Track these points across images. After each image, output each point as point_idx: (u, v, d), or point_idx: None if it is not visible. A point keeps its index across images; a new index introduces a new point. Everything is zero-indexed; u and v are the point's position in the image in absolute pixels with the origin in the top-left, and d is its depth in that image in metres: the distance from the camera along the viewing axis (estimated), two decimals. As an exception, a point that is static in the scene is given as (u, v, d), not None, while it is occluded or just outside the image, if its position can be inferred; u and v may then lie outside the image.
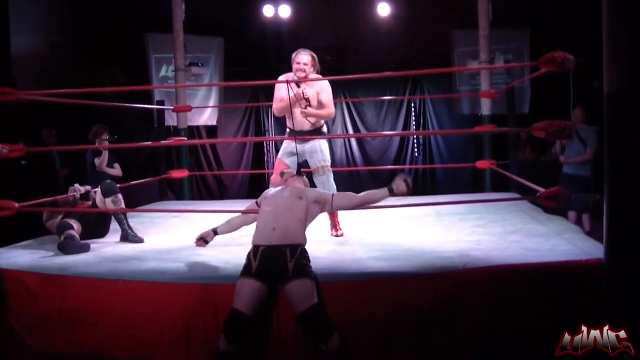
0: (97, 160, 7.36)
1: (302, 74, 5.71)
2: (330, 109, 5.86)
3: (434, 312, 4.32)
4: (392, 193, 4.70)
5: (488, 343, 4.29)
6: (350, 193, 4.82)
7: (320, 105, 5.77)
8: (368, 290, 4.39)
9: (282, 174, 5.08)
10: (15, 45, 9.21)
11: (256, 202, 4.90)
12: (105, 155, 7.37)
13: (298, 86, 5.64)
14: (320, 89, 5.77)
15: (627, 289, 4.09)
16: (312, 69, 5.77)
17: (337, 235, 5.85)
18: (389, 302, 4.35)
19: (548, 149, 10.00)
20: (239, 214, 5.12)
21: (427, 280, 4.38)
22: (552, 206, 4.86)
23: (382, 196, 4.73)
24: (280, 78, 5.89)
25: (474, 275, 4.37)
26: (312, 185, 5.58)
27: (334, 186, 5.91)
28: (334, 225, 5.94)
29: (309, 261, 4.35)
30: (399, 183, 4.69)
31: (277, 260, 4.25)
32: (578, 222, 7.63)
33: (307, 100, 5.67)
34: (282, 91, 5.79)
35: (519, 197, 7.36)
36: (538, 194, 4.74)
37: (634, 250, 4.13)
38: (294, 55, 5.77)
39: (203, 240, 4.97)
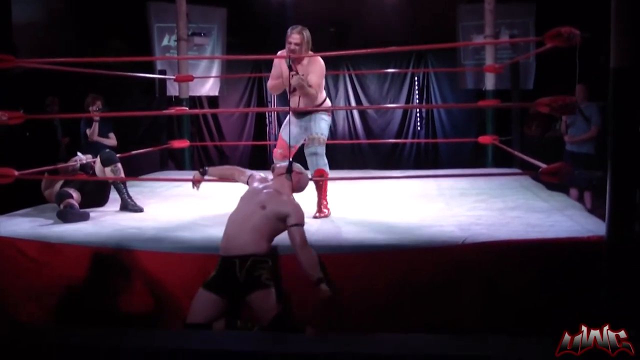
0: (88, 131, 7.34)
1: (293, 55, 5.41)
2: (314, 91, 5.44)
3: (435, 285, 4.33)
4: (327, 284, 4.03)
5: (488, 317, 4.29)
6: (304, 244, 4.11)
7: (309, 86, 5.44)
8: (369, 262, 4.40)
9: (272, 168, 4.73)
10: (15, 14, 9.13)
11: (248, 178, 4.66)
12: (96, 126, 7.35)
13: (290, 69, 5.32)
14: (312, 69, 5.50)
15: (627, 266, 4.08)
16: (303, 48, 5.47)
17: (315, 217, 5.46)
18: (390, 275, 4.35)
19: (553, 125, 9.94)
20: (236, 167, 4.98)
21: (427, 254, 4.38)
22: (555, 182, 4.84)
23: (316, 272, 4.03)
24: (278, 53, 5.65)
25: (475, 250, 4.37)
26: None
27: (325, 162, 5.58)
28: (319, 206, 5.59)
29: (265, 270, 4.12)
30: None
31: (228, 272, 4.12)
32: (580, 199, 7.60)
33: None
34: (277, 69, 5.60)
35: (520, 172, 7.35)
36: (540, 169, 4.71)
37: (635, 228, 4.12)
38: (288, 32, 5.48)
39: (196, 184, 4.95)
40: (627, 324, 3.76)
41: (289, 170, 4.55)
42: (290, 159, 4.88)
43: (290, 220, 4.18)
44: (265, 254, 4.18)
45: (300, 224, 4.21)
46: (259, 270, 4.10)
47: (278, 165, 4.80)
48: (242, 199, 4.46)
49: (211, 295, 4.11)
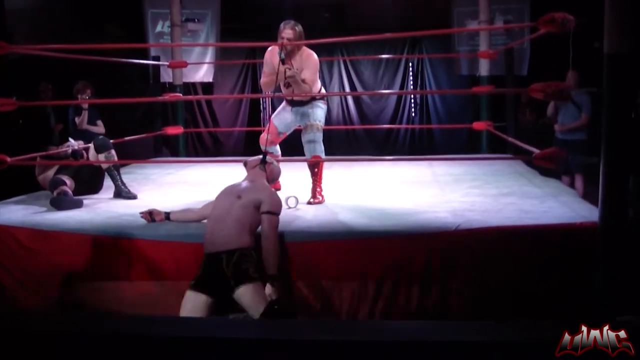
0: (77, 119, 7.33)
1: (287, 43, 5.35)
2: (308, 87, 5.41)
3: (428, 272, 4.33)
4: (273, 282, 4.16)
5: (482, 303, 4.30)
6: (272, 233, 4.22)
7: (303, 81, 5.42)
8: (363, 249, 4.39)
9: (245, 163, 4.79)
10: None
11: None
12: (85, 114, 7.33)
13: (283, 63, 5.31)
14: (306, 65, 5.46)
15: (620, 252, 4.09)
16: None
17: (309, 203, 5.46)
18: (384, 261, 4.35)
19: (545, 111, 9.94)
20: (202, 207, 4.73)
21: (420, 240, 4.38)
22: (548, 167, 4.84)
23: (271, 268, 4.15)
24: (268, 51, 5.62)
25: (468, 236, 4.37)
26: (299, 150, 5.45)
27: (322, 148, 5.55)
28: (313, 191, 5.56)
29: (252, 263, 4.14)
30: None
31: (215, 269, 4.12)
32: (571, 185, 7.61)
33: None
34: (270, 66, 5.53)
35: (513, 156, 7.36)
36: (534, 154, 4.71)
37: (628, 214, 4.13)
38: (280, 27, 5.41)
39: (150, 215, 4.75)
40: (620, 310, 3.79)
41: (263, 161, 4.69)
42: (277, 146, 4.93)
43: (264, 207, 4.27)
44: (251, 247, 4.21)
45: (273, 212, 4.29)
46: (246, 263, 4.12)
47: (250, 159, 4.85)
48: (218, 197, 4.50)
49: (199, 296, 4.11)
